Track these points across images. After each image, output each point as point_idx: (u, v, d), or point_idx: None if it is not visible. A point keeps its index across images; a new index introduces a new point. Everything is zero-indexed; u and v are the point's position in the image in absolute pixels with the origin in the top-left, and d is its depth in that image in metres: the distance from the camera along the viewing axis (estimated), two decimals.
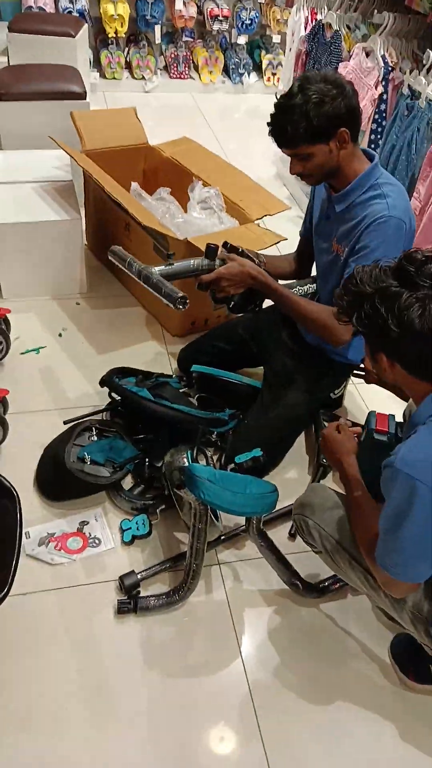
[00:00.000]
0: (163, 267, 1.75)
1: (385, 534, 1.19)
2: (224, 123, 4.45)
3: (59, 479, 1.79)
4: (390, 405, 2.26)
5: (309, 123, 1.51)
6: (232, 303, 1.78)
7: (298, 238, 2.05)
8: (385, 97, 2.62)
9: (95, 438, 1.87)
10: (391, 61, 2.60)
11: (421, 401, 1.20)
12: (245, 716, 1.45)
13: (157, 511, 1.77)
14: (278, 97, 1.61)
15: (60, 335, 2.39)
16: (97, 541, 1.73)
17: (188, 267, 1.75)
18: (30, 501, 1.80)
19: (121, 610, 1.57)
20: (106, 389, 1.99)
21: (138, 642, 1.55)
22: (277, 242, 2.18)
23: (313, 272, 2.02)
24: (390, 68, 2.59)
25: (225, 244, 1.80)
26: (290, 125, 1.53)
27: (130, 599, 1.58)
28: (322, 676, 1.54)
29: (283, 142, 1.59)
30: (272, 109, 1.58)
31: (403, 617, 1.33)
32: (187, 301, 1.67)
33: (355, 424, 1.91)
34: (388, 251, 1.59)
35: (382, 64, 2.59)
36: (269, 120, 1.59)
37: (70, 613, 1.58)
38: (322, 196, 1.81)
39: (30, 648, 1.51)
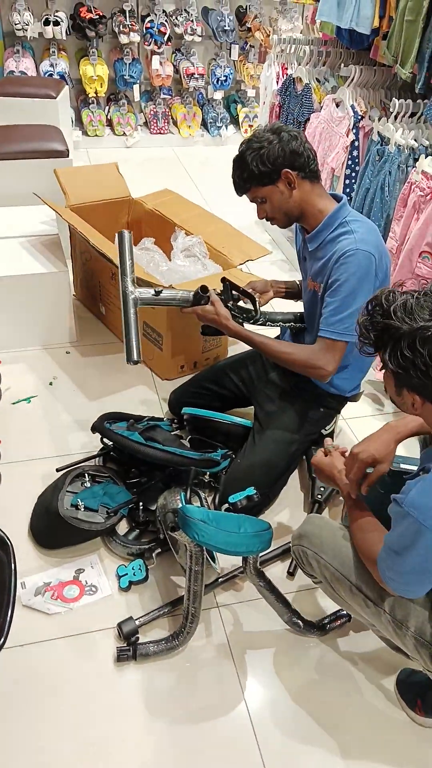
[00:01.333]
0: (152, 294, 1.86)
1: (388, 552, 1.21)
2: (205, 174, 4.59)
3: (53, 527, 1.78)
4: None
5: (249, 168, 1.69)
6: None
7: (281, 279, 2.12)
8: (356, 144, 2.74)
9: (88, 484, 1.88)
10: (361, 110, 2.73)
11: None
12: (251, 759, 1.42)
13: (153, 555, 1.77)
14: None
15: (51, 384, 2.42)
16: (93, 589, 1.71)
17: (174, 297, 1.87)
18: (25, 550, 1.79)
19: (121, 657, 1.55)
20: (98, 435, 2.01)
21: (139, 690, 1.52)
22: (261, 255, 2.25)
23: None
24: (360, 117, 2.71)
25: (224, 280, 1.90)
26: (238, 173, 1.72)
27: (129, 646, 1.56)
28: (329, 715, 1.52)
29: (236, 189, 1.78)
30: None
31: (406, 643, 1.32)
32: (190, 301, 1.84)
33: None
34: (359, 284, 1.67)
35: (352, 114, 2.71)
36: None
37: (69, 664, 1.56)
38: (300, 239, 1.90)
39: (29, 701, 1.48)
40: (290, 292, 2.08)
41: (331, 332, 1.71)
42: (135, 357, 1.73)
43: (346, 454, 1.56)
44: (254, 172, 1.68)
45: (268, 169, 1.67)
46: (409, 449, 1.75)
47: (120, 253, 1.86)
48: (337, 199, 1.78)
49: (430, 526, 1.10)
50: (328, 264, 1.72)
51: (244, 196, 1.78)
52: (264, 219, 1.79)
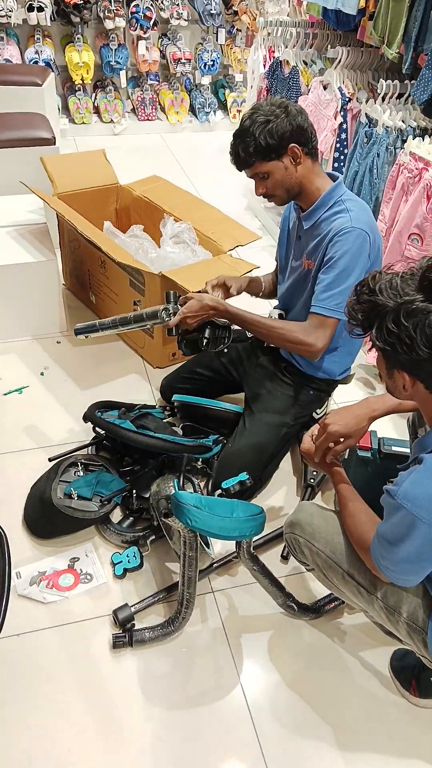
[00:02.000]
0: (131, 313, 1.85)
1: (381, 541, 1.21)
2: (193, 160, 4.56)
3: (47, 517, 1.78)
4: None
5: (257, 141, 1.64)
6: (204, 342, 1.83)
7: (270, 265, 2.11)
8: (344, 126, 2.72)
9: (81, 473, 1.87)
10: (348, 92, 2.71)
11: None
12: (249, 743, 1.43)
13: (148, 542, 1.77)
14: None
15: (42, 374, 2.41)
16: (88, 577, 1.72)
17: (154, 311, 1.83)
18: (19, 540, 1.79)
19: (117, 644, 1.56)
20: (90, 424, 2.00)
21: (136, 676, 1.53)
22: (250, 270, 2.23)
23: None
24: (347, 99, 2.69)
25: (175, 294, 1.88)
26: (242, 147, 1.66)
27: (125, 633, 1.57)
28: (324, 696, 1.53)
29: (239, 163, 1.71)
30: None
31: (399, 629, 1.33)
32: (170, 310, 1.79)
33: None
34: (353, 261, 1.66)
35: (340, 96, 2.69)
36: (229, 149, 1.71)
37: (66, 652, 1.56)
38: (293, 219, 1.88)
39: (27, 690, 1.49)
40: (252, 286, 2.04)
41: (323, 308, 1.71)
42: (162, 307, 1.80)
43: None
44: (261, 145, 1.64)
45: (275, 143, 1.64)
46: (401, 433, 1.76)
47: (92, 330, 1.97)
48: (333, 178, 1.77)
49: (423, 518, 1.10)
50: (323, 242, 1.72)
51: (235, 177, 1.78)
52: (261, 195, 1.76)
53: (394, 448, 1.77)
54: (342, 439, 1.45)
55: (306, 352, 1.78)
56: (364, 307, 1.14)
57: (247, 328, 1.83)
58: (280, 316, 2.00)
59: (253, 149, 1.65)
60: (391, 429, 2.23)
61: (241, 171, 1.74)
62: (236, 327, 1.85)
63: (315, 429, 1.55)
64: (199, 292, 1.85)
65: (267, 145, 1.64)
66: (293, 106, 1.67)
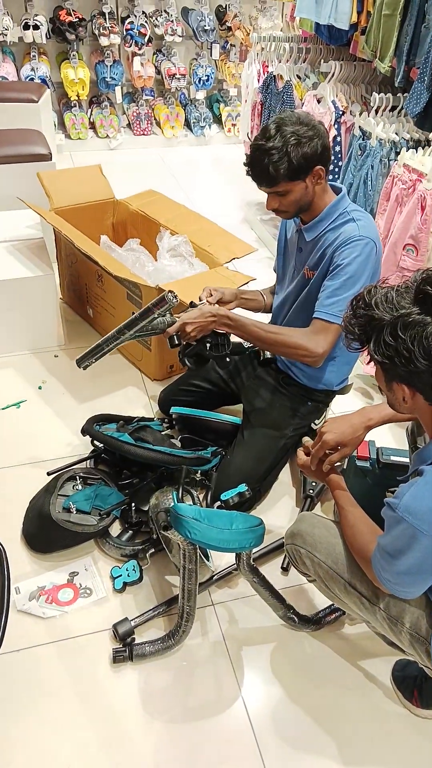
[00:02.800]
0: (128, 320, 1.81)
1: (382, 554, 1.21)
2: (189, 174, 4.59)
3: (46, 531, 1.78)
4: (369, 432, 2.30)
5: (290, 163, 1.60)
6: (208, 347, 1.81)
7: (267, 277, 2.12)
8: (338, 139, 2.75)
9: (80, 487, 1.87)
10: (342, 106, 2.74)
11: None
12: (250, 756, 1.42)
13: (147, 555, 1.77)
14: (254, 138, 1.68)
15: (40, 388, 2.41)
16: (88, 591, 1.71)
17: (160, 297, 1.78)
18: (18, 555, 1.79)
19: (117, 659, 1.55)
20: (89, 438, 2.00)
21: (137, 690, 1.52)
22: (247, 282, 2.25)
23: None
24: (341, 112, 2.72)
25: (192, 304, 1.84)
26: (271, 166, 1.61)
27: (126, 647, 1.56)
28: (326, 708, 1.52)
29: (263, 180, 1.67)
30: (249, 152, 1.67)
31: (402, 639, 1.33)
32: (175, 293, 1.72)
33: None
34: (361, 269, 1.67)
35: (333, 109, 2.72)
36: (247, 161, 1.67)
37: (66, 667, 1.56)
38: (293, 230, 1.89)
39: (27, 706, 1.48)
40: (251, 304, 2.05)
41: (327, 314, 1.70)
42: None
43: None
44: (293, 166, 1.60)
45: (305, 165, 1.62)
46: (400, 443, 1.76)
47: (96, 353, 1.89)
48: (336, 190, 1.78)
49: (424, 531, 1.10)
50: (328, 250, 1.72)
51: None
52: (272, 210, 1.74)
53: (393, 458, 1.77)
54: (339, 448, 1.45)
55: (307, 358, 1.75)
56: (360, 321, 1.14)
57: (248, 333, 1.78)
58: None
59: (284, 170, 1.61)
60: (390, 439, 2.24)
61: (261, 186, 1.70)
62: (235, 339, 1.85)
63: (307, 442, 1.55)
64: (192, 303, 1.84)
65: (298, 166, 1.62)
66: (320, 124, 1.66)
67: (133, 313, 1.79)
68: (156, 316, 1.74)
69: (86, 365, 1.89)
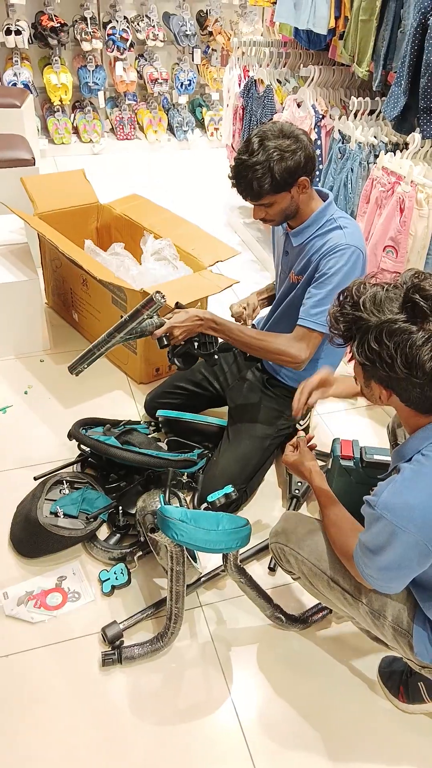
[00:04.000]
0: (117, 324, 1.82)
1: (363, 550, 1.23)
2: (173, 178, 4.61)
3: (33, 536, 1.78)
4: (354, 431, 2.33)
5: (273, 178, 1.62)
6: (196, 346, 1.86)
7: (251, 279, 2.15)
8: (319, 143, 2.77)
9: (67, 491, 1.88)
10: (321, 110, 2.77)
11: (413, 431, 1.21)
12: (240, 756, 1.43)
13: (135, 558, 1.77)
14: (237, 151, 1.69)
15: (26, 393, 2.41)
16: (76, 595, 1.71)
17: (148, 298, 1.79)
18: (5, 560, 1.79)
19: (106, 662, 1.55)
20: (75, 442, 2.01)
21: (126, 693, 1.53)
22: (231, 285, 2.27)
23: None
24: (321, 116, 2.75)
25: (177, 305, 1.87)
26: (256, 182, 1.63)
27: (114, 650, 1.57)
28: (314, 705, 1.54)
29: (248, 195, 1.69)
30: (228, 159, 1.69)
31: (385, 633, 1.35)
32: (162, 293, 1.72)
33: (322, 454, 1.97)
34: (346, 278, 1.69)
35: (313, 113, 2.75)
36: (231, 174, 1.69)
37: (55, 671, 1.56)
38: (280, 234, 1.91)
39: (16, 711, 1.48)
40: (271, 297, 2.09)
41: (311, 322, 1.73)
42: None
43: (318, 448, 1.60)
44: (276, 180, 1.62)
45: (289, 178, 1.64)
46: (383, 442, 1.79)
47: (87, 359, 1.86)
48: (323, 196, 1.79)
49: (403, 527, 1.12)
50: (314, 257, 1.74)
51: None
52: (259, 219, 1.76)
53: (376, 457, 1.79)
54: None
55: (290, 364, 1.80)
56: (346, 318, 1.15)
57: (233, 337, 1.82)
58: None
59: (268, 185, 1.63)
60: (374, 438, 2.26)
61: (246, 200, 1.71)
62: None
63: (297, 440, 1.57)
64: (177, 304, 1.86)
65: (283, 180, 1.63)
66: (303, 134, 1.66)
67: (122, 317, 1.80)
68: (145, 317, 1.76)
69: (78, 371, 1.87)
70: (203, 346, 1.86)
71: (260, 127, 1.68)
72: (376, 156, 2.30)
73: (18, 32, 4.45)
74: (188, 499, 1.95)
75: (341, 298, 1.17)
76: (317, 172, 2.80)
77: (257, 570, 1.82)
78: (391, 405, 1.22)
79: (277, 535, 1.50)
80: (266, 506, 2.02)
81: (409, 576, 1.21)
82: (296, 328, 1.76)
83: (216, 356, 1.88)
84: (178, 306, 1.86)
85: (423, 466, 1.15)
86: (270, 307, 2.07)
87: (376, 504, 1.15)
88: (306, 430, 2.19)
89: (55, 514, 1.79)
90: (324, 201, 1.78)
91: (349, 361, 1.20)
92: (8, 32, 4.43)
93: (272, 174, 1.61)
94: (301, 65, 3.19)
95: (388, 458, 1.71)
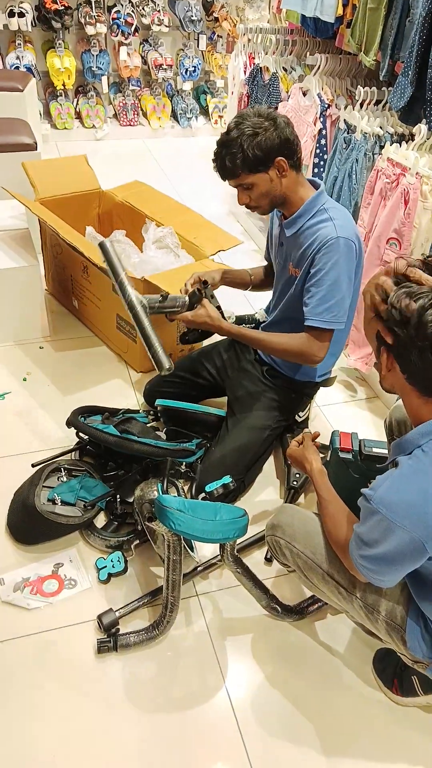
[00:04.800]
0: (158, 300, 1.78)
1: (358, 543, 1.23)
2: (175, 165, 4.58)
3: (30, 523, 1.78)
4: (353, 424, 2.33)
5: (245, 154, 1.63)
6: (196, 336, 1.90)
7: (252, 269, 2.14)
8: (324, 132, 2.75)
9: (65, 478, 1.87)
10: (327, 99, 2.74)
11: (416, 422, 1.21)
12: (234, 745, 1.44)
13: (132, 546, 1.77)
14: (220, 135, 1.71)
15: (25, 380, 2.40)
16: (73, 582, 1.72)
17: (174, 304, 1.81)
18: (2, 547, 1.79)
19: (101, 649, 1.56)
20: (73, 430, 2.00)
21: (121, 680, 1.53)
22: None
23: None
24: (326, 105, 2.72)
25: (163, 296, 1.84)
26: (229, 158, 1.65)
27: (110, 638, 1.57)
28: (308, 696, 1.54)
29: (224, 174, 1.70)
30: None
31: (378, 627, 1.35)
32: (171, 369, 1.71)
33: (321, 446, 1.96)
34: (342, 271, 1.68)
35: (319, 102, 2.72)
36: (213, 157, 1.70)
37: (51, 658, 1.56)
38: (276, 224, 1.90)
39: (12, 697, 1.48)
40: (235, 281, 2.09)
41: (320, 321, 1.71)
42: (167, 365, 1.67)
43: (318, 440, 1.60)
44: (249, 157, 1.63)
45: (262, 156, 1.64)
46: (382, 435, 1.78)
47: (110, 265, 1.73)
48: (315, 185, 1.78)
49: (398, 522, 1.12)
50: (308, 251, 1.73)
51: (217, 182, 1.77)
52: (244, 205, 1.77)
53: (375, 450, 1.79)
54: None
55: (309, 363, 1.80)
56: (400, 322, 1.12)
57: (252, 344, 1.86)
58: (261, 321, 2.03)
59: (241, 161, 1.64)
60: (373, 431, 2.26)
61: (225, 180, 1.73)
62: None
63: (302, 436, 1.58)
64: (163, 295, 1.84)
65: (254, 157, 1.63)
66: (281, 117, 1.67)
67: (162, 296, 1.78)
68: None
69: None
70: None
71: (241, 110, 1.69)
72: (382, 147, 2.28)
73: (21, 14, 4.40)
74: (186, 488, 1.95)
75: (402, 296, 1.13)
76: (321, 162, 2.78)
77: (254, 560, 1.82)
78: (394, 384, 1.21)
79: (273, 528, 1.50)
80: (264, 497, 2.02)
81: (401, 571, 1.21)
82: (307, 329, 1.75)
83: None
84: (163, 297, 1.84)
85: (421, 463, 1.14)
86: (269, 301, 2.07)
87: (373, 498, 1.15)
88: (305, 422, 2.19)
89: (53, 501, 1.79)
90: (316, 190, 1.77)
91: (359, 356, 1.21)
92: (11, 14, 4.38)
93: (243, 150, 1.63)
94: (308, 53, 3.16)
95: (387, 451, 1.71)
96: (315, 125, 2.74)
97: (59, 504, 1.79)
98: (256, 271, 2.14)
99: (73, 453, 2.01)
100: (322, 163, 2.79)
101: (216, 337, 2.08)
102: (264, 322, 2.07)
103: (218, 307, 1.86)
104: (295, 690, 1.55)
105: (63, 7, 4.44)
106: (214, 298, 1.87)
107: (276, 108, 3.06)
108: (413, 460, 1.15)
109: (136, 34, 4.73)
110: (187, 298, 1.82)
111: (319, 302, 1.71)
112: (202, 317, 1.79)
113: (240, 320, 2.08)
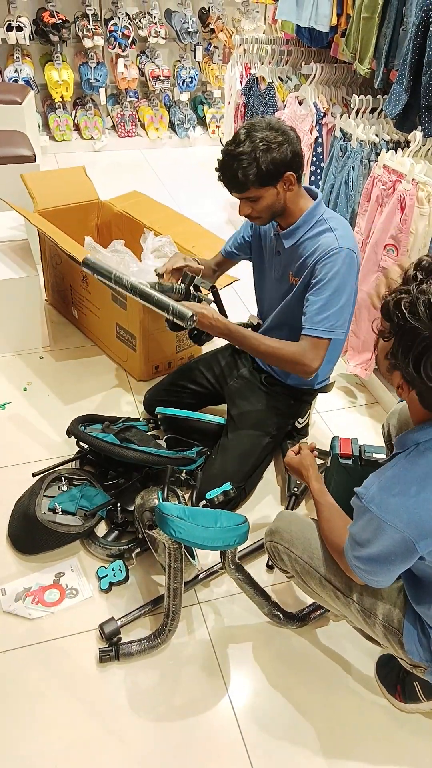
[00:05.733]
0: (155, 284, 1.79)
1: (352, 543, 1.23)
2: (173, 175, 4.60)
3: (31, 532, 1.78)
4: (353, 430, 2.33)
5: (258, 169, 1.59)
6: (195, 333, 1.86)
7: (250, 277, 2.11)
8: (320, 140, 2.77)
9: (65, 488, 1.88)
10: (323, 107, 2.76)
11: (418, 421, 1.20)
12: (237, 753, 1.44)
13: (133, 555, 1.77)
14: (225, 144, 1.68)
15: (25, 390, 2.41)
16: (74, 592, 1.71)
17: (172, 287, 1.81)
18: (3, 557, 1.79)
19: (103, 658, 1.55)
20: (74, 439, 2.00)
21: (124, 690, 1.53)
22: (231, 283, 2.26)
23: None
24: (322, 114, 2.75)
25: (213, 288, 1.89)
26: (240, 171, 1.60)
27: (112, 647, 1.57)
28: (311, 703, 1.54)
29: (232, 187, 1.67)
30: (220, 157, 1.67)
31: (376, 631, 1.35)
32: (196, 319, 1.71)
33: (321, 452, 1.97)
34: (343, 281, 1.68)
35: (315, 111, 2.74)
36: (218, 166, 1.67)
37: (53, 667, 1.56)
38: (270, 233, 1.89)
39: (13, 708, 1.48)
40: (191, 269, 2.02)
41: (318, 330, 1.70)
42: (189, 314, 1.68)
43: (315, 450, 1.61)
44: (262, 172, 1.59)
45: (274, 171, 1.61)
46: (382, 440, 1.78)
47: (99, 271, 1.77)
48: (312, 195, 1.77)
49: (389, 522, 1.12)
50: (309, 261, 1.72)
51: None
52: (245, 216, 1.75)
53: (375, 455, 1.79)
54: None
55: (302, 372, 1.76)
56: (401, 324, 1.07)
57: (247, 346, 1.80)
58: (257, 326, 2.03)
59: (253, 176, 1.60)
60: (374, 437, 2.26)
61: (232, 192, 1.69)
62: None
63: (299, 445, 1.58)
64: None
65: (267, 172, 1.60)
66: (291, 130, 1.64)
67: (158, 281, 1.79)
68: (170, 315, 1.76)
69: (87, 267, 1.79)
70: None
71: (248, 120, 1.67)
72: (378, 154, 2.29)
73: (19, 28, 4.44)
74: (187, 496, 1.95)
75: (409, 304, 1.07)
76: (318, 170, 2.80)
77: (255, 568, 1.82)
78: (404, 397, 1.20)
79: (271, 534, 1.51)
80: (264, 504, 2.02)
81: (394, 570, 1.20)
82: (303, 338, 1.73)
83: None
84: (212, 289, 1.88)
85: (415, 464, 1.14)
86: (258, 301, 2.06)
87: (365, 497, 1.15)
88: (305, 428, 2.19)
89: (54, 511, 1.79)
90: (314, 200, 1.76)
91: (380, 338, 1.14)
92: (9, 28, 4.43)
93: (258, 164, 1.59)
94: (303, 63, 3.19)
95: (386, 457, 1.72)
96: (311, 134, 2.76)
97: (60, 513, 1.79)
98: (207, 263, 2.08)
99: (74, 462, 2.01)
100: (318, 171, 2.81)
101: (215, 345, 2.09)
102: (258, 325, 2.06)
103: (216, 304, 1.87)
104: (297, 697, 1.55)
105: (60, 21, 4.48)
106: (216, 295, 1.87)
107: None
108: (407, 460, 1.15)
109: (133, 46, 4.77)
110: (183, 286, 1.81)
111: (317, 311, 1.70)
112: (207, 318, 1.74)
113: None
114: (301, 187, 1.73)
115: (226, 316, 1.89)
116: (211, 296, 1.92)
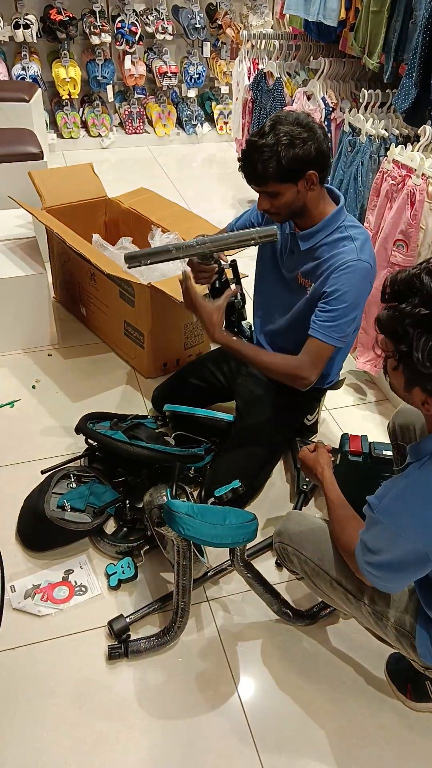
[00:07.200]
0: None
1: (363, 549, 1.22)
2: (182, 172, 4.60)
3: (40, 530, 1.78)
4: (362, 427, 2.32)
5: (279, 163, 1.56)
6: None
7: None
8: (329, 135, 2.75)
9: (74, 485, 1.88)
10: (331, 102, 2.75)
11: None
12: (246, 751, 1.43)
13: (142, 552, 1.77)
14: (251, 134, 1.65)
15: (34, 387, 2.41)
16: (83, 589, 1.71)
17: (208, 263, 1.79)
18: (13, 554, 1.79)
19: (112, 655, 1.55)
20: (82, 436, 2.01)
21: (132, 687, 1.53)
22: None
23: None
24: (331, 109, 2.73)
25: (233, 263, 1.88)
26: (260, 163, 1.57)
27: (121, 644, 1.57)
28: (321, 702, 1.53)
29: (252, 178, 1.64)
30: (237, 153, 1.65)
31: (388, 634, 1.34)
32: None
33: (332, 451, 1.96)
34: (359, 295, 1.66)
35: (323, 106, 2.73)
36: (240, 156, 1.65)
37: (62, 664, 1.56)
38: (285, 230, 1.86)
39: (22, 704, 1.48)
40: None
41: (325, 335, 1.67)
42: (273, 228, 1.66)
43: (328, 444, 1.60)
44: (282, 167, 1.56)
45: (295, 167, 1.57)
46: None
47: (153, 256, 1.75)
48: (334, 198, 1.74)
49: (401, 533, 1.11)
50: (325, 267, 1.69)
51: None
52: (263, 211, 1.71)
53: (385, 453, 1.78)
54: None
55: (300, 386, 1.74)
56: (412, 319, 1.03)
57: (245, 359, 1.79)
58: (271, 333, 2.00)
59: (273, 170, 1.57)
60: (383, 434, 2.25)
61: (250, 184, 1.66)
62: None
63: (315, 444, 1.57)
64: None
65: (288, 168, 1.57)
66: (318, 127, 1.60)
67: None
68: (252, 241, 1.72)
69: (134, 265, 1.75)
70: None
71: (277, 112, 1.63)
72: (387, 149, 2.27)
73: (27, 26, 4.43)
74: (195, 493, 1.95)
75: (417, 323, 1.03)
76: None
77: (265, 565, 1.81)
78: (416, 406, 1.16)
79: (280, 535, 1.50)
80: (273, 501, 2.02)
81: (406, 578, 1.20)
82: (309, 340, 1.70)
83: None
84: (232, 265, 1.87)
85: (429, 475, 1.12)
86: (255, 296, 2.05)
87: (377, 507, 1.13)
88: (314, 425, 2.18)
89: (63, 508, 1.79)
90: (336, 204, 1.72)
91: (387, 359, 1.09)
92: (17, 26, 4.42)
93: (278, 158, 1.55)
94: (311, 58, 3.17)
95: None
96: None
97: (69, 510, 1.79)
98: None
99: (83, 459, 2.01)
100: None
101: None
102: (251, 333, 2.04)
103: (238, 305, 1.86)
104: (307, 695, 1.54)
105: (68, 18, 4.48)
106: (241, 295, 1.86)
107: None
108: (421, 471, 1.12)
109: (141, 42, 4.76)
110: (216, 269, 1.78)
111: (329, 318, 1.67)
112: (212, 317, 1.72)
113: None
114: (323, 188, 1.69)
115: (243, 291, 1.88)
116: (230, 273, 1.89)
